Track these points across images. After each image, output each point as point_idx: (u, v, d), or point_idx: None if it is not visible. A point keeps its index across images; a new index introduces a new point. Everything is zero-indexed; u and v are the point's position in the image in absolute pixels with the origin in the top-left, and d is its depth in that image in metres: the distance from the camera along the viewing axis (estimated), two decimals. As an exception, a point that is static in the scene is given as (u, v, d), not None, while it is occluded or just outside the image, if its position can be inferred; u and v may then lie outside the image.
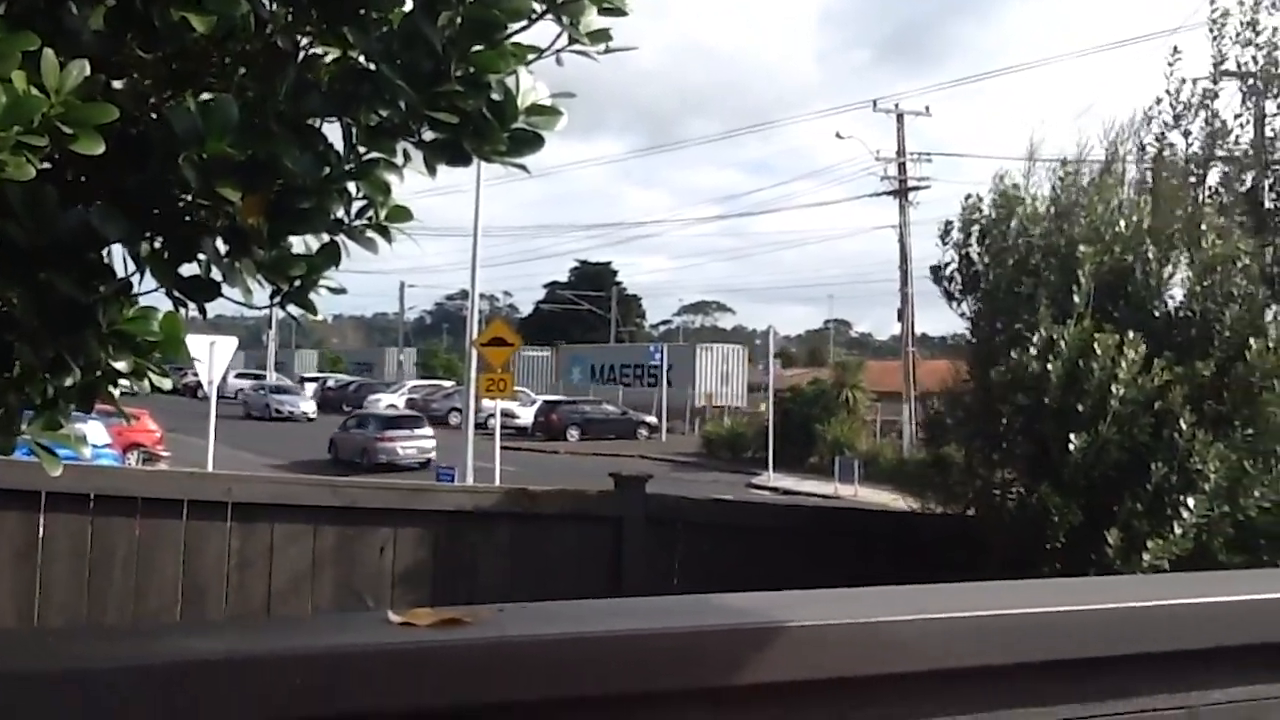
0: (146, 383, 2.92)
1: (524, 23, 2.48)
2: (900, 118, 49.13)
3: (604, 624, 1.69)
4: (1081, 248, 8.73)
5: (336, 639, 1.56)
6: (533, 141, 2.59)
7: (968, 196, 9.71)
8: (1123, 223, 8.96)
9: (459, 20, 2.42)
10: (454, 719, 1.51)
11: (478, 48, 2.46)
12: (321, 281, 2.76)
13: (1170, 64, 9.59)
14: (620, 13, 2.58)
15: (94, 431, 26.24)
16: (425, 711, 1.49)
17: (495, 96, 2.52)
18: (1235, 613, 2.08)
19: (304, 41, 2.58)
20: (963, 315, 9.88)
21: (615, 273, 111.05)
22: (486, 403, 32.45)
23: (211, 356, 24.22)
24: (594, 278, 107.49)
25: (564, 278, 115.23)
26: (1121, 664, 1.96)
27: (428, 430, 47.42)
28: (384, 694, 1.46)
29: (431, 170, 2.63)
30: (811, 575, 8.77)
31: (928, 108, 50.52)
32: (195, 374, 28.29)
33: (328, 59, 2.60)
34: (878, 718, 1.75)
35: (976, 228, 9.60)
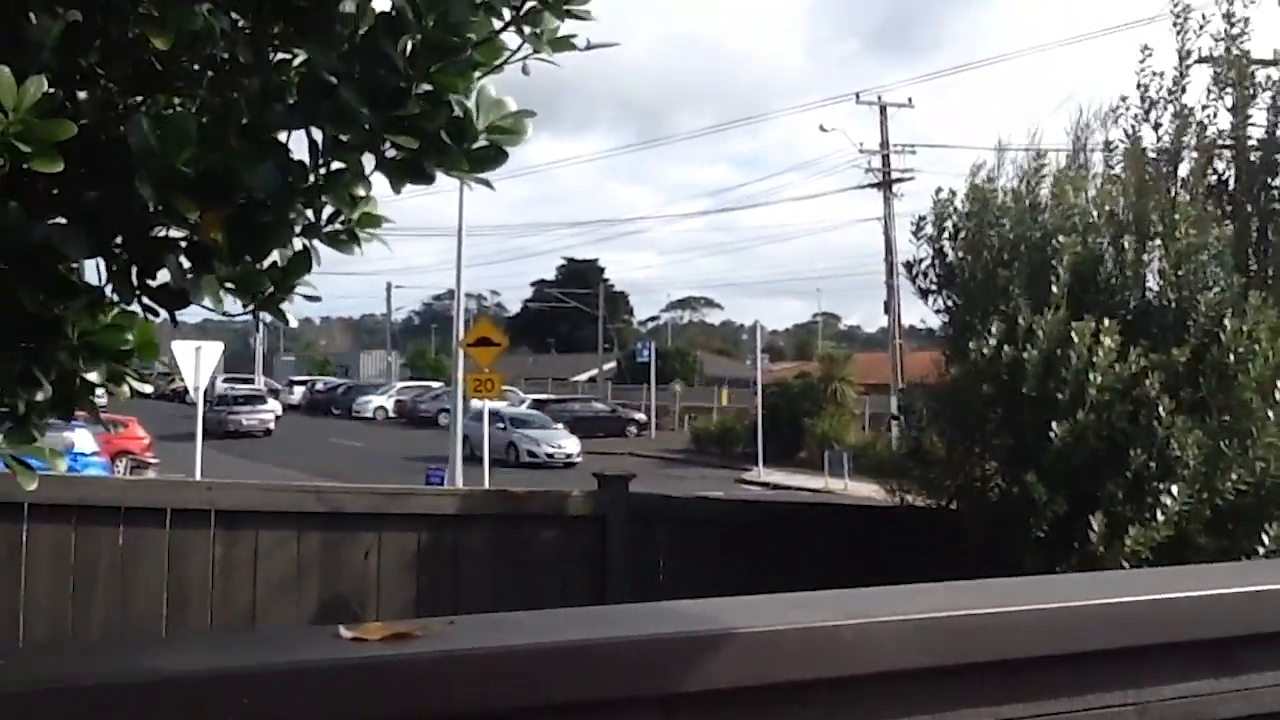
0: (126, 388, 2.92)
1: (487, 35, 2.48)
2: (883, 110, 49.18)
3: (553, 634, 1.71)
4: (1060, 238, 8.77)
5: (286, 655, 1.58)
6: (495, 157, 2.57)
7: (938, 190, 9.75)
8: (1095, 212, 9.03)
9: (419, 40, 2.40)
10: None
11: (438, 66, 2.45)
12: (297, 288, 2.75)
13: (1141, 60, 9.64)
14: (585, 18, 2.56)
15: (81, 439, 26.23)
16: None
17: (456, 114, 2.51)
18: (1183, 609, 2.10)
19: (269, 48, 2.57)
20: (937, 311, 9.92)
21: (602, 270, 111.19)
22: (476, 403, 32.37)
23: (198, 362, 24.20)
24: (581, 275, 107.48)
25: (552, 276, 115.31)
26: (1070, 662, 1.99)
27: (268, 405, 62.14)
28: (333, 709, 1.49)
29: (396, 189, 2.63)
30: (795, 570, 8.85)
31: (910, 99, 50.82)
32: (181, 379, 28.26)
33: (295, 62, 2.58)
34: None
35: (949, 222, 9.63)
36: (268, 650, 1.68)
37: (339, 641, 1.58)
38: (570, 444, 50.30)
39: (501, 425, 49.71)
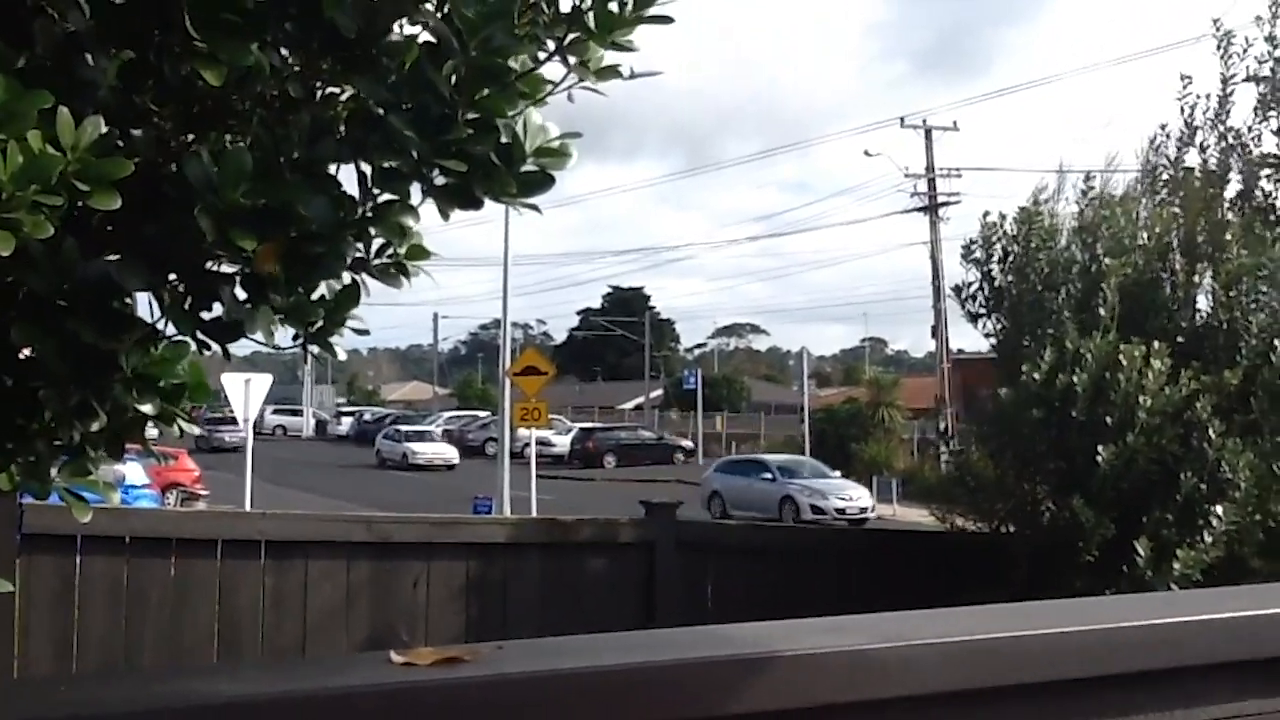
0: (175, 428, 2.96)
1: (531, 65, 2.50)
2: (928, 134, 49.12)
3: (599, 659, 1.73)
4: (1107, 261, 8.74)
5: (337, 680, 1.60)
6: (542, 182, 2.59)
7: (986, 214, 9.74)
8: (1145, 235, 9.00)
9: (464, 68, 2.43)
10: None
11: (485, 92, 2.48)
12: (346, 322, 2.78)
13: (1183, 85, 9.60)
14: (629, 49, 2.58)
15: (133, 472, 26.44)
16: None
17: (503, 139, 2.54)
18: (1232, 629, 2.09)
19: (318, 84, 2.60)
20: (986, 335, 9.90)
21: (648, 297, 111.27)
22: (523, 431, 32.42)
23: (247, 393, 24.36)
24: (627, 303, 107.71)
25: (598, 304, 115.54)
26: (1115, 683, 1.98)
27: (240, 426, 64.88)
28: (383, 733, 1.51)
29: (444, 214, 2.65)
30: (842, 594, 8.82)
31: (955, 123, 50.49)
32: (231, 411, 28.48)
33: (344, 96, 2.62)
34: None
35: (998, 246, 9.61)
36: (318, 675, 1.71)
37: (389, 666, 1.61)
38: (860, 494, 40.10)
39: (769, 476, 41.19)
